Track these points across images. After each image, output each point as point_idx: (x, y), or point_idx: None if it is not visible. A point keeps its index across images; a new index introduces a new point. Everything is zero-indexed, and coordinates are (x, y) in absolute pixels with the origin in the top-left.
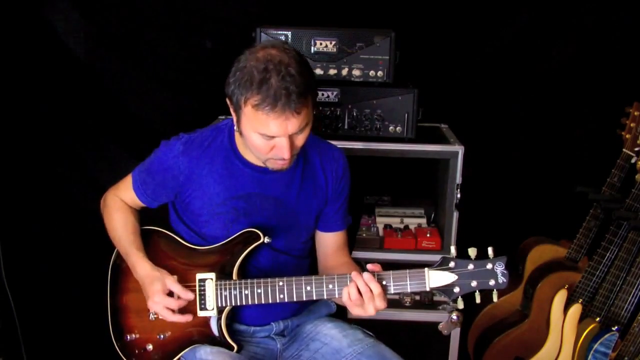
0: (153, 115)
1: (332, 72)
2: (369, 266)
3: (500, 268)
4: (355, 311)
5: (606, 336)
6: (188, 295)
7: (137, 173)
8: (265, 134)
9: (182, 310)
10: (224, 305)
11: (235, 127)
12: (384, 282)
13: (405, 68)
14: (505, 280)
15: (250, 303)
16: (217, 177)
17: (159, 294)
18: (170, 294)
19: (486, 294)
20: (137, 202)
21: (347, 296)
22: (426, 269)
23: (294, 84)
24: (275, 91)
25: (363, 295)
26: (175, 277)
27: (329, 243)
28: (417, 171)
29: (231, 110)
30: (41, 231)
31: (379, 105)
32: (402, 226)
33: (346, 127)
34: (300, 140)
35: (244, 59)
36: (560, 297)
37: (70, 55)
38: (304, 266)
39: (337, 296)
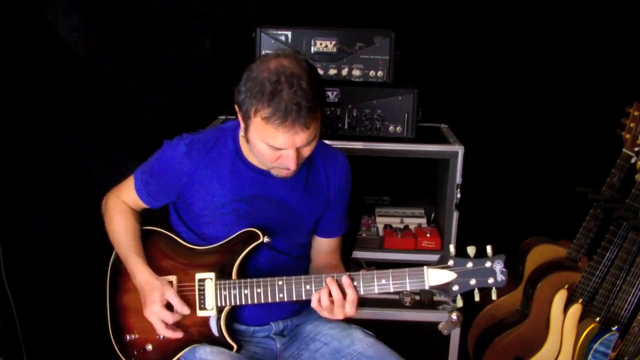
0: (153, 115)
1: (332, 72)
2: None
3: (499, 266)
4: (323, 314)
5: (606, 336)
6: (184, 310)
7: (139, 174)
8: (273, 146)
9: (174, 325)
10: (223, 305)
11: (241, 133)
12: (383, 281)
13: (405, 68)
14: (504, 279)
15: (249, 303)
16: (220, 179)
17: (156, 305)
18: (168, 305)
19: (485, 293)
20: (138, 203)
21: (317, 301)
22: (425, 267)
23: (305, 98)
24: (286, 105)
25: (334, 301)
26: (174, 289)
27: (323, 246)
28: (417, 171)
29: (239, 116)
30: (41, 231)
31: (379, 105)
32: (402, 226)
33: (346, 127)
34: (307, 151)
35: (255, 68)
36: (560, 297)
37: (70, 55)
38: (304, 266)
39: None
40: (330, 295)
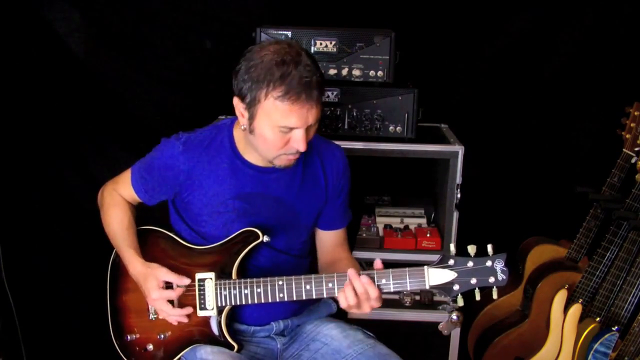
0: (153, 114)
1: (332, 72)
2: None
3: (499, 265)
4: (351, 311)
5: (606, 336)
6: (184, 281)
7: (136, 169)
8: (286, 126)
9: (181, 305)
10: (223, 304)
11: (243, 127)
12: (383, 280)
13: (405, 68)
14: (504, 278)
15: (250, 302)
16: (217, 177)
17: (155, 290)
18: (167, 287)
19: (486, 292)
20: (135, 198)
21: (345, 299)
22: (426, 267)
23: (314, 74)
24: (299, 82)
25: (359, 295)
26: (165, 269)
27: (329, 241)
28: (417, 171)
29: (240, 109)
30: (41, 231)
31: (379, 105)
32: (402, 226)
33: (346, 127)
34: (312, 132)
35: (255, 56)
36: (560, 297)
37: (70, 55)
38: (304, 265)
39: (336, 295)
40: (354, 291)
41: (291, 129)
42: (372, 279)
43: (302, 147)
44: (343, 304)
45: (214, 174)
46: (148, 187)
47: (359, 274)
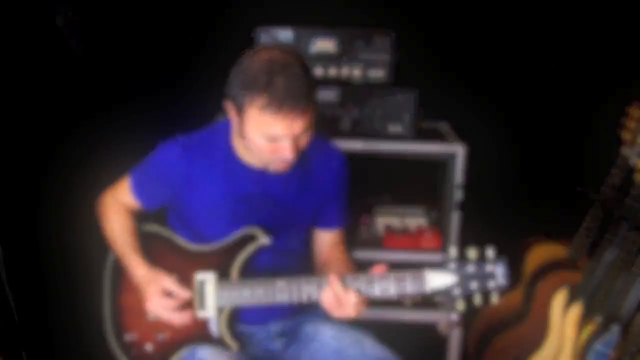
0: (153, 114)
1: (332, 72)
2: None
3: (500, 269)
4: (335, 313)
5: (606, 336)
6: (185, 294)
7: (133, 175)
8: (272, 136)
9: (180, 309)
10: (223, 305)
11: (235, 131)
12: (383, 284)
13: (405, 68)
14: (505, 282)
15: (249, 303)
16: (215, 179)
17: (155, 296)
18: (168, 294)
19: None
20: (134, 204)
21: (326, 300)
22: (426, 270)
23: (299, 84)
24: (282, 92)
25: (337, 299)
26: (171, 277)
27: (325, 240)
28: (418, 171)
29: (232, 113)
30: (41, 231)
31: (379, 105)
32: (402, 226)
33: (346, 127)
34: (303, 141)
35: (245, 62)
36: (560, 297)
37: (69, 54)
38: (304, 266)
39: None
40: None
41: (277, 138)
42: (344, 283)
43: (289, 156)
44: (323, 304)
45: (211, 176)
46: (147, 192)
47: (338, 278)
